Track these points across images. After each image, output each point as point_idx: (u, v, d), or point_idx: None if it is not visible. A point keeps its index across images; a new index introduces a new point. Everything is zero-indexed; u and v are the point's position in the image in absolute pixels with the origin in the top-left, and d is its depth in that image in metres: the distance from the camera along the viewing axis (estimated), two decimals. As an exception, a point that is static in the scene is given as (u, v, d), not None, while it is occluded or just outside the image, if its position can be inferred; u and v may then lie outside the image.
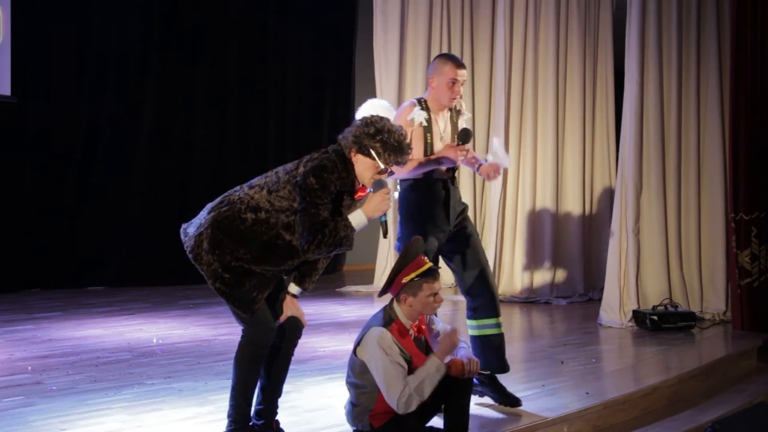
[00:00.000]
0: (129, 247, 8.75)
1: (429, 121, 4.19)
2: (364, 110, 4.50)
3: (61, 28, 8.35)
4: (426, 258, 3.45)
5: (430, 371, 3.26)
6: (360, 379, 3.35)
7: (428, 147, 4.17)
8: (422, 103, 4.25)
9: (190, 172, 9.20)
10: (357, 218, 3.26)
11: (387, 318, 3.37)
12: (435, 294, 3.38)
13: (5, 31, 7.91)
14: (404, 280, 3.37)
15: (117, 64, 8.76)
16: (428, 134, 4.19)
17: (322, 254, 3.25)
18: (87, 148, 8.62)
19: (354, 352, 3.38)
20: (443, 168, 4.18)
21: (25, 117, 8.16)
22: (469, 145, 4.16)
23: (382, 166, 3.28)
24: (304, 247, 3.20)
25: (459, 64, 4.17)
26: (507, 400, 4.03)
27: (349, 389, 3.43)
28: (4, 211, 8.01)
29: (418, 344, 3.43)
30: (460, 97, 4.24)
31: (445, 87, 4.14)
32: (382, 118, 3.34)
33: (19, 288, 7.99)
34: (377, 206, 3.29)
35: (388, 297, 3.49)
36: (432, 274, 3.39)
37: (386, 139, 3.26)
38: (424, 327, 3.50)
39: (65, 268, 8.35)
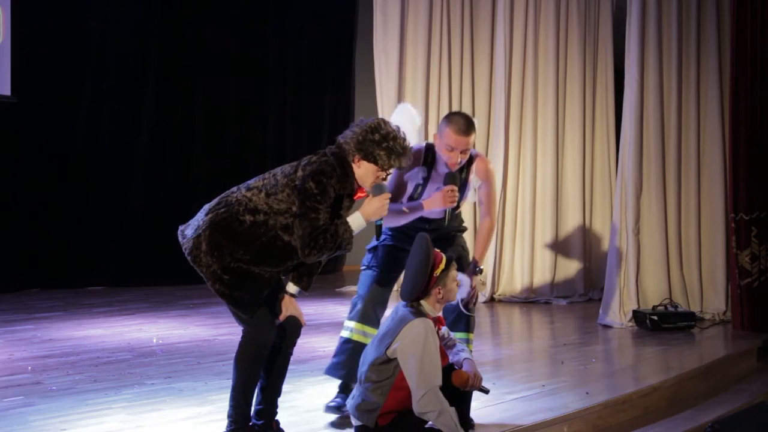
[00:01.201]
0: (129, 247, 8.76)
1: (427, 178, 3.99)
2: (397, 115, 4.44)
3: (61, 28, 8.36)
4: (440, 252, 3.53)
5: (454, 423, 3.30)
6: (377, 373, 3.35)
7: (411, 199, 3.92)
8: (428, 155, 3.99)
9: (190, 172, 9.20)
10: (356, 221, 3.28)
11: (418, 314, 3.40)
12: (456, 279, 3.52)
13: (5, 31, 7.91)
14: (436, 274, 3.44)
15: (117, 64, 8.76)
16: (419, 188, 4.00)
17: (321, 258, 3.26)
18: (87, 148, 8.63)
19: (384, 350, 3.36)
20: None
21: (25, 117, 8.17)
22: (453, 187, 3.87)
23: (386, 173, 3.32)
24: (304, 251, 3.21)
25: (461, 129, 3.83)
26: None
27: (362, 382, 3.42)
28: (3, 210, 8.02)
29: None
30: (461, 164, 3.89)
31: (443, 150, 3.89)
32: (386, 123, 3.34)
33: (19, 288, 7.99)
34: (376, 211, 3.32)
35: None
36: (452, 261, 3.52)
37: (392, 146, 3.28)
38: (443, 321, 3.62)
39: (65, 268, 8.36)
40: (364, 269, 4.04)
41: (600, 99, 8.39)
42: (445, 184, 3.89)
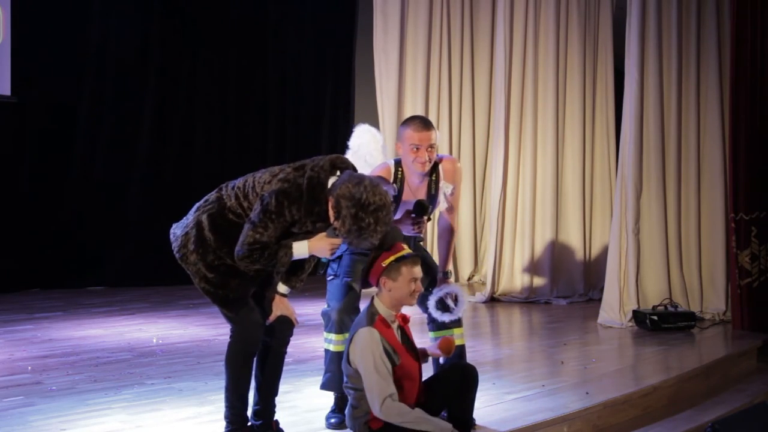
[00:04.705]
0: (129, 247, 8.75)
1: (400, 193, 3.93)
2: (356, 137, 4.40)
3: (61, 28, 8.35)
4: (404, 246, 3.41)
5: (435, 424, 3.26)
6: (355, 383, 3.34)
7: None
8: (398, 171, 3.93)
9: (190, 172, 9.20)
10: (300, 248, 3.26)
11: (370, 316, 3.34)
12: (415, 279, 3.34)
13: (5, 31, 7.91)
14: (384, 264, 3.34)
15: (117, 64, 8.76)
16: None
17: (252, 269, 3.24)
18: (87, 148, 8.63)
19: (347, 357, 3.36)
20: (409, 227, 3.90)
21: (25, 117, 8.17)
22: (424, 219, 3.82)
23: (340, 238, 3.24)
24: (238, 255, 3.19)
25: (420, 126, 3.81)
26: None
27: (347, 392, 3.43)
28: (3, 210, 8.02)
29: (402, 337, 3.41)
30: (430, 161, 3.83)
31: (409, 153, 3.83)
32: (375, 209, 3.12)
33: (19, 288, 7.99)
34: (320, 249, 3.30)
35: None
36: (411, 257, 3.36)
37: (362, 227, 3.12)
38: (407, 318, 3.47)
39: (65, 268, 8.35)
40: (331, 279, 3.99)
41: (600, 99, 8.38)
42: (414, 212, 3.81)
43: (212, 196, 3.39)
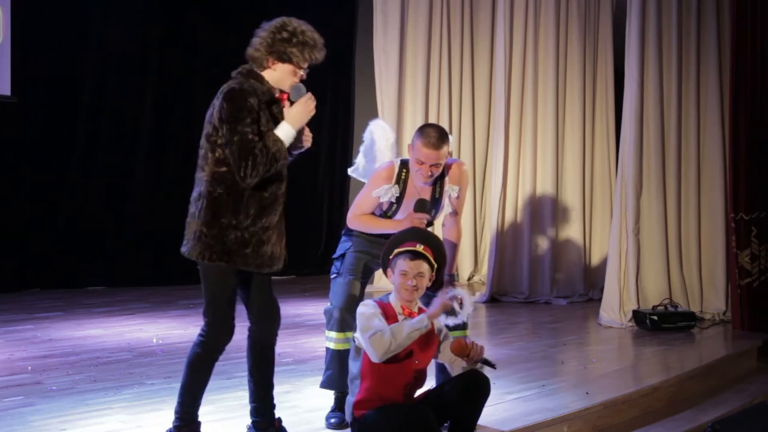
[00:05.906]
0: (129, 247, 8.75)
1: (401, 197, 3.93)
2: (370, 132, 4.42)
3: (61, 28, 8.35)
4: (419, 245, 3.42)
5: (413, 321, 3.28)
6: (354, 366, 3.40)
7: (385, 216, 3.92)
8: (402, 171, 3.92)
9: (191, 172, 9.16)
10: (283, 131, 3.23)
11: (377, 298, 3.43)
12: (405, 273, 3.36)
13: (5, 31, 7.91)
14: (390, 257, 3.44)
15: (117, 64, 8.76)
16: (394, 205, 3.94)
17: (260, 175, 3.16)
18: (87, 148, 8.62)
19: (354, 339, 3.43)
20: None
21: (25, 117, 8.16)
22: (423, 216, 3.81)
23: (303, 67, 3.29)
24: (239, 174, 3.14)
25: (430, 144, 3.70)
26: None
27: (350, 382, 3.47)
28: (4, 210, 8.01)
29: None
30: (432, 177, 3.79)
31: (414, 163, 3.81)
32: (291, 19, 3.29)
33: (19, 288, 7.98)
34: (300, 114, 3.27)
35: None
36: (410, 252, 3.38)
37: (302, 41, 3.26)
38: (415, 314, 3.45)
39: (65, 268, 8.35)
40: (334, 277, 4.00)
41: (600, 99, 8.39)
42: (415, 209, 3.81)
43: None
